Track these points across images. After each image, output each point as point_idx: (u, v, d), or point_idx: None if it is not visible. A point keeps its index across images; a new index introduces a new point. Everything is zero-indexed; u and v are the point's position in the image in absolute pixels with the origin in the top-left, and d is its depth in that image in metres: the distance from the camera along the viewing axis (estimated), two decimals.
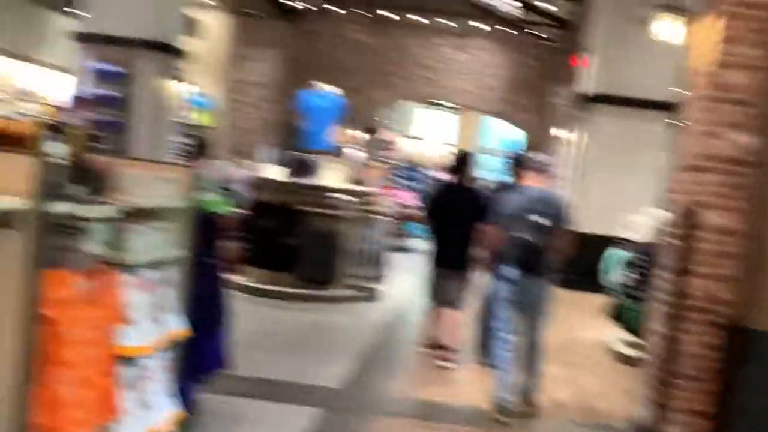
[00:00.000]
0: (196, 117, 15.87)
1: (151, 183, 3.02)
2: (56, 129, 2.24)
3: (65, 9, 11.87)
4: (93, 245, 2.70)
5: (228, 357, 3.73)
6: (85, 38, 9.79)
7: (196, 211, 3.41)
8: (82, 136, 2.43)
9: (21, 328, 2.14)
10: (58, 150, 2.25)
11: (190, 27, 12.40)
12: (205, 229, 3.51)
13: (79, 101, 8.13)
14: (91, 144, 2.41)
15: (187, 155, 8.12)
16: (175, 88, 10.24)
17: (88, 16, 9.73)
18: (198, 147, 7.30)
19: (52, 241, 2.38)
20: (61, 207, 2.28)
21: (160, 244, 3.20)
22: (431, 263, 6.12)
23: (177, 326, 3.24)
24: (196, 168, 3.38)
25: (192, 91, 15.24)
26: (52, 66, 13.59)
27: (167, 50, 9.37)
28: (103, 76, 9.69)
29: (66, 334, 2.35)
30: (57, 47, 12.80)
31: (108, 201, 2.61)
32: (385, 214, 9.56)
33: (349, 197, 8.45)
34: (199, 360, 3.45)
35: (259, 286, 8.00)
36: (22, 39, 13.00)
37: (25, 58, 13.31)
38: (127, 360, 2.80)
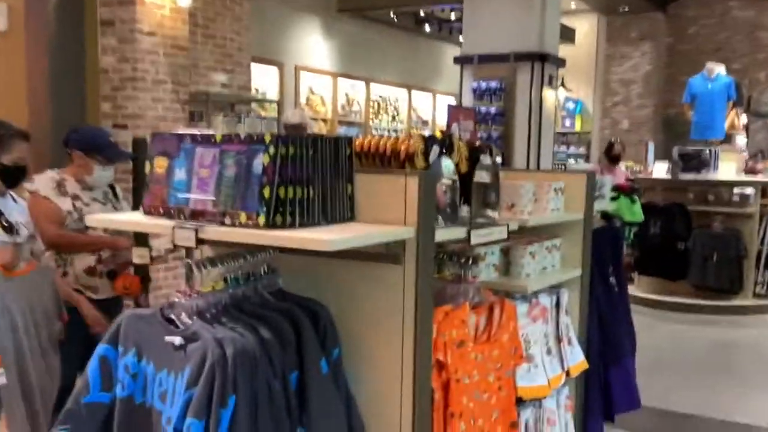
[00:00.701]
0: (570, 123, 15.29)
1: (544, 195, 2.48)
2: (442, 143, 1.80)
3: (459, 40, 12.36)
4: (483, 273, 2.26)
5: (637, 391, 3.00)
6: (466, 60, 9.94)
7: (596, 222, 2.80)
8: (468, 148, 1.97)
9: (413, 375, 1.75)
10: (446, 166, 1.83)
11: (562, 33, 11.89)
12: (606, 241, 2.86)
13: (457, 111, 8.03)
14: (478, 157, 1.92)
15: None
16: (552, 96, 9.80)
17: (466, 39, 9.85)
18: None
19: (442, 272, 1.98)
20: (450, 232, 1.85)
21: (554, 264, 2.65)
22: None
23: (576, 359, 2.65)
24: (597, 173, 2.75)
25: (566, 97, 14.69)
26: (443, 93, 14.29)
27: (544, 60, 8.97)
28: (483, 94, 9.70)
29: (461, 379, 1.91)
30: (448, 75, 13.40)
31: (498, 220, 2.14)
32: None
33: (749, 191, 6.98)
34: (605, 397, 2.81)
35: (650, 296, 7.00)
36: (418, 71, 13.92)
37: (422, 88, 14.20)
38: (525, 403, 2.30)
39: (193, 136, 1.67)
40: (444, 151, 1.89)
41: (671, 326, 6.39)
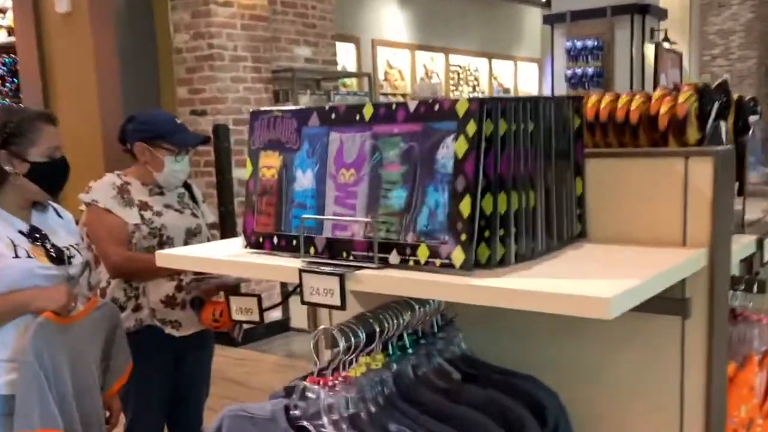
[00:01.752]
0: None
1: None
2: (719, 99, 1.02)
3: (544, 1, 11.39)
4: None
5: None
6: (557, 19, 9.06)
7: None
8: (736, 106, 1.18)
9: None
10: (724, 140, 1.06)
11: None
12: None
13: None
14: (746, 119, 1.10)
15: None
16: (653, 52, 8.79)
17: None
18: None
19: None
20: (738, 246, 1.09)
21: None
22: None
23: None
24: None
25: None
26: (525, 59, 13.38)
27: (645, 11, 7.99)
28: (578, 54, 8.87)
29: None
30: (530, 40, 12.42)
31: None
32: None
33: None
34: None
35: None
36: (498, 38, 13.00)
37: (503, 56, 13.29)
38: None
39: (322, 113, 0.95)
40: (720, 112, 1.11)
41: None
